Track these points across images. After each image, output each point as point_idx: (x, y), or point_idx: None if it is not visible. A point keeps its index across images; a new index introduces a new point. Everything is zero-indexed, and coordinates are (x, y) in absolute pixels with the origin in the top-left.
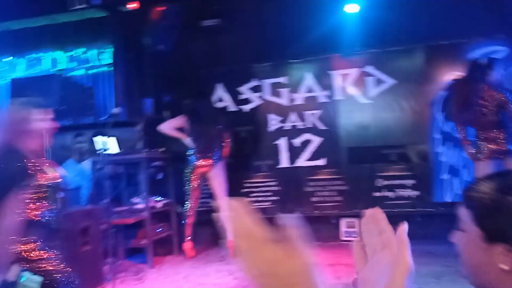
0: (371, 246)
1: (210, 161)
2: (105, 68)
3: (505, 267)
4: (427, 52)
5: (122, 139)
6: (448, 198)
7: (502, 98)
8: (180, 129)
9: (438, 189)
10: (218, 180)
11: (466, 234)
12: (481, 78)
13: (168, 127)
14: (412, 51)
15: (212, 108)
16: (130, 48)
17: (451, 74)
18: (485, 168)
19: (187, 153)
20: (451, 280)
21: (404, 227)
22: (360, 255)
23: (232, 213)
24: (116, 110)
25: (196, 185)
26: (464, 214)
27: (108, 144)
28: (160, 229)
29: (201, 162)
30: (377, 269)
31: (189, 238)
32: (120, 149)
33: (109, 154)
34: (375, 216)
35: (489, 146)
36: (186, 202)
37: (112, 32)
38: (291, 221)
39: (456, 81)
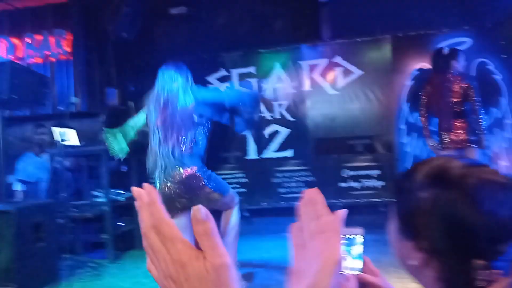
0: (308, 231)
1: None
2: (64, 56)
3: (414, 263)
4: (394, 42)
5: (83, 131)
6: None
7: (467, 88)
8: None
9: None
10: None
11: (392, 224)
12: (445, 68)
13: (134, 123)
14: (379, 41)
15: None
16: (91, 35)
17: (417, 65)
18: None
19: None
20: None
21: (340, 214)
22: (297, 241)
23: (138, 203)
24: (75, 100)
25: None
26: (391, 203)
27: (67, 136)
28: (122, 223)
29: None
30: (309, 256)
31: None
32: (80, 141)
33: (69, 146)
34: (314, 198)
35: (451, 137)
36: None
37: (72, 19)
38: (206, 216)
39: (421, 72)
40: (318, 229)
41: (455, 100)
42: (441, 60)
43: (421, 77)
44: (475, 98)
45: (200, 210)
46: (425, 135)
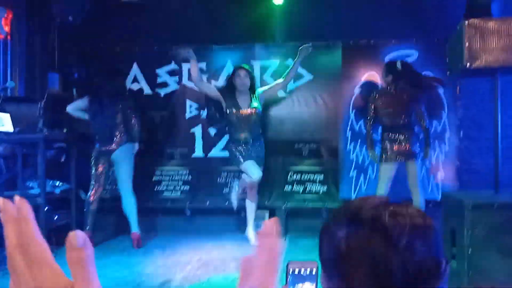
0: (256, 265)
1: (113, 146)
2: (2, 36)
3: None
4: (345, 49)
5: (19, 116)
6: (353, 195)
7: (415, 100)
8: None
9: (344, 186)
10: (121, 166)
11: (321, 273)
12: (396, 79)
13: (73, 108)
14: (330, 47)
15: (114, 88)
16: (34, 16)
17: (365, 73)
18: (387, 170)
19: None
20: None
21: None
22: (243, 275)
23: (4, 217)
24: (9, 84)
25: (100, 171)
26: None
27: (1, 121)
28: (57, 217)
29: (102, 146)
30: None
31: (88, 227)
32: (14, 127)
33: (2, 133)
34: (269, 230)
35: (394, 147)
36: (90, 188)
37: None
38: (83, 242)
39: (369, 81)
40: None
41: (403, 110)
42: (392, 71)
43: (369, 86)
44: (423, 111)
45: (76, 236)
46: (368, 144)
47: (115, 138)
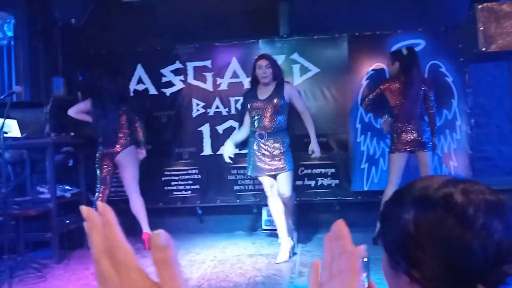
0: (328, 270)
1: (116, 147)
2: (5, 42)
3: None
4: (351, 41)
5: (25, 122)
6: (365, 187)
7: (424, 90)
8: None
9: (356, 178)
10: (126, 167)
11: (383, 257)
12: (403, 66)
13: (75, 111)
14: (336, 40)
15: (117, 90)
16: (36, 20)
17: (373, 65)
18: (397, 160)
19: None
20: None
21: (360, 251)
22: (315, 280)
23: (90, 224)
24: (17, 89)
25: (105, 173)
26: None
27: (8, 127)
28: (69, 221)
29: (105, 149)
30: None
31: None
32: (22, 133)
33: (9, 138)
34: (339, 232)
35: (403, 137)
36: (97, 191)
37: (16, 1)
38: (167, 242)
39: (376, 73)
40: (338, 268)
41: (411, 100)
42: (398, 58)
43: (377, 76)
44: (430, 96)
45: (160, 235)
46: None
47: (118, 140)
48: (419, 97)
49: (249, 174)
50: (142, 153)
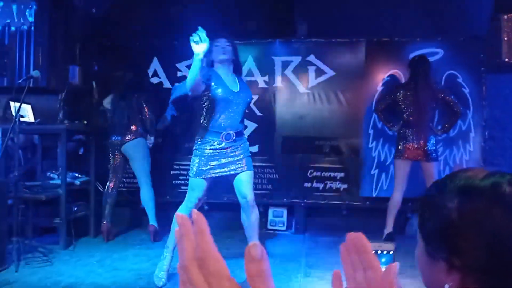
0: (352, 282)
1: (126, 138)
2: (26, 27)
3: (449, 286)
4: (368, 46)
5: (40, 107)
6: (374, 193)
7: (441, 96)
8: None
9: (365, 184)
10: (135, 159)
11: (418, 245)
12: (415, 76)
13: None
14: (354, 44)
15: (132, 81)
16: (57, 7)
17: (389, 71)
18: (400, 167)
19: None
20: None
21: (395, 267)
22: None
23: (182, 231)
24: (35, 74)
25: (116, 163)
26: (416, 221)
27: (23, 111)
28: (76, 208)
29: (116, 138)
30: None
31: (107, 218)
32: (35, 118)
33: (23, 123)
34: (360, 244)
35: (409, 145)
36: (108, 180)
37: None
38: (261, 254)
39: (391, 80)
40: (366, 281)
41: (422, 108)
42: (420, 68)
43: (392, 83)
44: (453, 99)
45: (255, 247)
46: (384, 122)
47: (129, 130)
48: (428, 106)
49: None
50: (150, 141)
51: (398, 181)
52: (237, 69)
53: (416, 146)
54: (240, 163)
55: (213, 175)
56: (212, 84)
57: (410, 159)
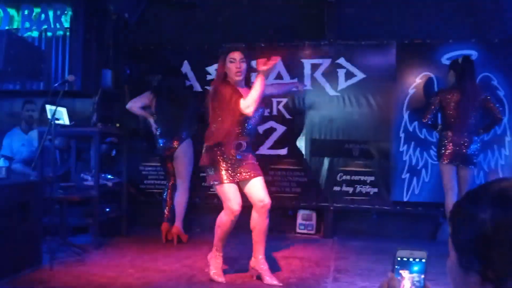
0: None
1: (174, 143)
2: (62, 32)
3: None
4: (399, 49)
5: (74, 110)
6: (405, 198)
7: (485, 98)
8: (147, 107)
9: (396, 188)
10: (180, 159)
11: (450, 255)
12: (461, 78)
13: (136, 105)
14: (384, 46)
15: (183, 88)
16: (91, 12)
17: (421, 74)
18: (445, 171)
19: (155, 134)
20: None
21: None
22: None
23: None
24: (70, 78)
25: (169, 168)
26: (449, 232)
27: (58, 114)
28: (108, 209)
29: (166, 143)
30: None
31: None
32: (70, 121)
33: (59, 125)
34: None
35: (451, 148)
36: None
37: None
38: None
39: (424, 83)
40: None
41: (466, 112)
42: (467, 70)
43: (425, 86)
44: (494, 103)
45: None
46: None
47: (178, 134)
48: (473, 109)
49: None
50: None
51: (447, 186)
52: (247, 82)
53: (459, 151)
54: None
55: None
56: None
57: (451, 163)
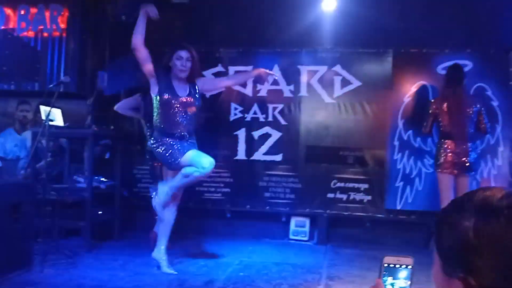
0: None
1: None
2: (58, 33)
3: None
4: (395, 57)
5: (69, 112)
6: (399, 206)
7: (478, 107)
8: (136, 109)
9: (390, 196)
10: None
11: (435, 262)
12: (450, 86)
13: (124, 107)
14: (381, 55)
15: None
16: (88, 14)
17: (416, 83)
18: (443, 180)
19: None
20: None
21: None
22: None
23: None
24: (65, 79)
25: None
26: (433, 240)
27: (53, 115)
28: (101, 212)
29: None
30: None
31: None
32: (64, 122)
33: (52, 126)
34: None
35: (449, 157)
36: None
37: None
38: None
39: (419, 92)
40: None
41: (463, 119)
42: (458, 77)
43: (420, 95)
44: (483, 113)
45: None
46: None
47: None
48: (466, 116)
49: None
50: None
51: (443, 195)
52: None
53: (456, 160)
54: None
55: None
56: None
57: (450, 172)
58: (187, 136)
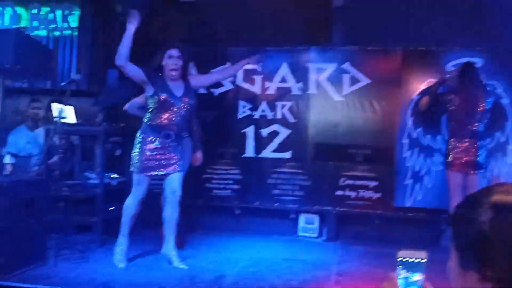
0: None
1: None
2: (69, 32)
3: None
4: (405, 55)
5: (81, 109)
6: (408, 204)
7: (483, 104)
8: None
9: (399, 194)
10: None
11: (451, 257)
12: (462, 83)
13: (133, 106)
14: (390, 52)
15: None
16: (98, 13)
17: (425, 81)
18: (452, 178)
19: None
20: None
21: None
22: None
23: None
24: (76, 77)
25: None
26: (449, 234)
27: (65, 113)
28: (113, 208)
29: None
30: None
31: None
32: (77, 119)
33: (65, 124)
34: None
35: (459, 155)
36: None
37: None
38: None
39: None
40: None
41: (473, 116)
42: (472, 75)
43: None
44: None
45: None
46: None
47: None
48: (478, 114)
49: None
50: (196, 159)
51: (453, 193)
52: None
53: (466, 157)
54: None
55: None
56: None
57: (459, 170)
58: (174, 136)
